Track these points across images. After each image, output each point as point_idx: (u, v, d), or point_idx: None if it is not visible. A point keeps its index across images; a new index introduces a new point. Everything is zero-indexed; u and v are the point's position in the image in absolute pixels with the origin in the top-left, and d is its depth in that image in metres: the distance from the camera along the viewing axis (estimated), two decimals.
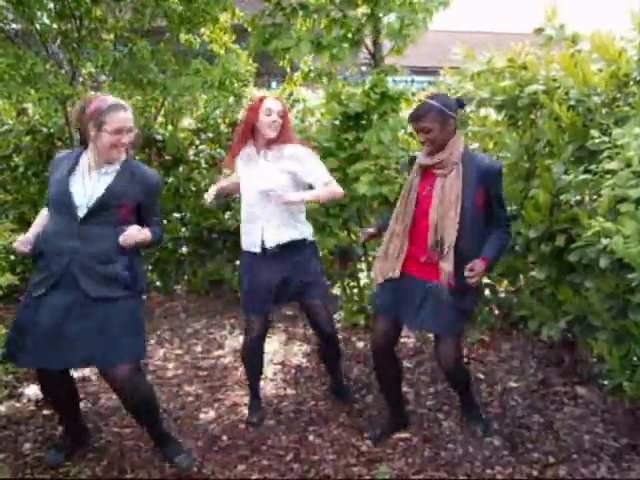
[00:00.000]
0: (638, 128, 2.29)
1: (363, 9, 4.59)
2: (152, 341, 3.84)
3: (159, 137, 4.87)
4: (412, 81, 8.23)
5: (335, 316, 3.91)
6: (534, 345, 3.50)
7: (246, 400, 2.96)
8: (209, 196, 2.76)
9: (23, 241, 2.27)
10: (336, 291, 4.40)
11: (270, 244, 2.68)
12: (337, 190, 2.69)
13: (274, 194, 2.56)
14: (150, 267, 4.89)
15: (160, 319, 4.33)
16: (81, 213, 2.20)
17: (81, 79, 4.60)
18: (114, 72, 4.30)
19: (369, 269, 4.18)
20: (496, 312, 3.81)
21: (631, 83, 2.78)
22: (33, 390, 3.10)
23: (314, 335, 3.26)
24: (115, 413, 2.88)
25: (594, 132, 2.60)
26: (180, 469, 2.38)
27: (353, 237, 4.07)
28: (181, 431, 2.72)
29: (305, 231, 2.77)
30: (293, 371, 3.40)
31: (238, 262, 3.18)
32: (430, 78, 6.73)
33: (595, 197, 2.63)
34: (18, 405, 2.97)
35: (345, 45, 4.44)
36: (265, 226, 2.68)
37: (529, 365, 3.30)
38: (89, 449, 2.56)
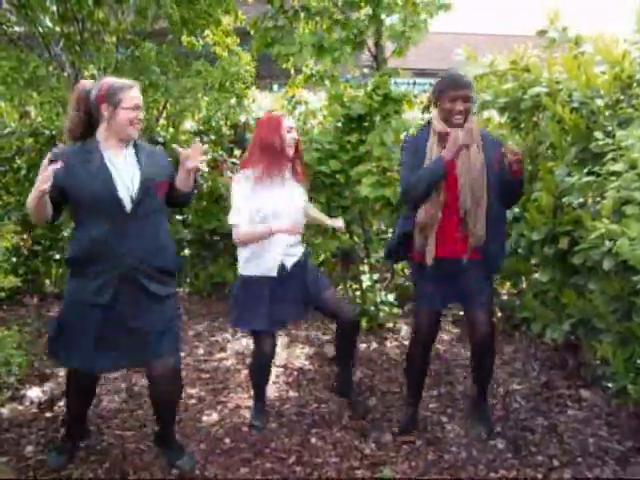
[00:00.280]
0: None
1: (365, 11, 4.60)
2: None
3: (160, 139, 4.87)
4: (414, 83, 8.22)
5: None
6: (537, 348, 3.49)
7: (248, 403, 2.95)
8: None
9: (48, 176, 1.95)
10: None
11: (289, 264, 2.69)
12: None
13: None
14: None
15: None
16: (127, 206, 2.13)
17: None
18: (116, 74, 4.30)
19: (371, 271, 4.18)
20: (499, 314, 3.80)
21: (634, 85, 2.78)
22: (35, 392, 3.10)
23: (319, 336, 3.25)
24: (117, 415, 2.88)
25: (598, 134, 2.59)
26: (183, 472, 2.38)
27: (355, 239, 4.07)
28: (183, 434, 2.71)
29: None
30: (295, 373, 3.39)
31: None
32: (432, 80, 6.74)
33: (598, 199, 2.62)
34: (20, 408, 2.97)
35: (347, 48, 4.45)
36: (285, 247, 2.67)
37: (532, 368, 3.29)
38: (91, 451, 2.55)
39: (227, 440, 2.67)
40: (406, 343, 3.76)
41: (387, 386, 3.17)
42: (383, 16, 4.51)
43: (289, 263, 2.68)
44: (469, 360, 2.70)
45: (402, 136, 3.77)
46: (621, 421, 2.69)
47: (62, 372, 3.43)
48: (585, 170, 2.67)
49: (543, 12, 3.22)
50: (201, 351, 3.76)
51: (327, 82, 4.83)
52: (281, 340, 3.87)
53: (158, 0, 4.13)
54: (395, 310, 4.06)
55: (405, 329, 4.00)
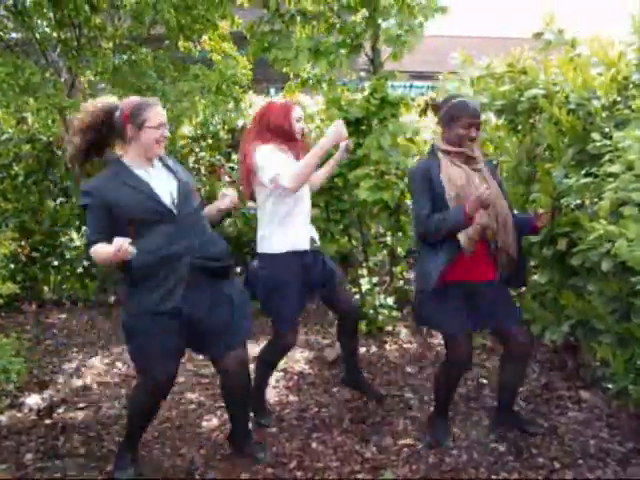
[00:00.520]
0: (639, 131, 2.30)
1: (361, 14, 4.60)
2: None
3: None
4: (410, 86, 8.25)
5: None
6: (537, 349, 3.49)
7: None
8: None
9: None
10: None
11: (316, 239, 2.78)
12: None
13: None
14: None
15: None
16: (174, 210, 2.22)
17: (80, 87, 4.61)
18: (112, 79, 4.31)
19: (370, 275, 4.18)
20: None
21: (631, 86, 2.79)
22: (34, 400, 3.09)
23: (319, 340, 3.24)
24: (117, 422, 2.86)
25: (595, 135, 2.60)
26: (261, 462, 2.48)
27: (354, 243, 4.07)
28: (183, 439, 2.71)
29: None
30: (296, 378, 3.38)
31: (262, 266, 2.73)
32: (429, 83, 6.75)
33: (596, 201, 2.63)
34: (19, 415, 2.96)
35: (343, 52, 4.45)
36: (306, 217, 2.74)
37: (532, 369, 3.29)
38: (91, 458, 2.54)
39: (227, 445, 2.66)
40: (406, 346, 3.76)
41: (387, 390, 3.16)
42: (380, 20, 4.52)
43: (315, 235, 2.78)
44: (499, 373, 2.62)
45: (399, 139, 3.78)
46: (622, 422, 2.69)
47: (61, 379, 3.42)
48: (582, 171, 2.67)
49: (539, 15, 3.24)
50: (200, 356, 3.74)
51: (324, 86, 4.83)
52: None
53: (155, 5, 4.14)
54: (394, 313, 4.06)
55: (404, 332, 4.00)
